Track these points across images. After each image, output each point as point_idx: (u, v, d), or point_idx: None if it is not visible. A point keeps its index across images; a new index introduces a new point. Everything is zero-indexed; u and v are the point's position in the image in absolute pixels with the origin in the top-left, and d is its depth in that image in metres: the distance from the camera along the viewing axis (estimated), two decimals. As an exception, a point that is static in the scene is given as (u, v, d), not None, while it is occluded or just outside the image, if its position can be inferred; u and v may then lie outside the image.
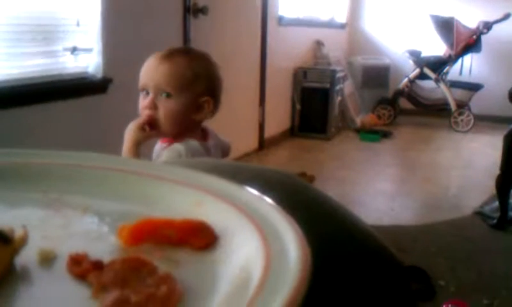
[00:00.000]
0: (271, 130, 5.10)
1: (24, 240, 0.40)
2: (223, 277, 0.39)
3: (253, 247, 0.40)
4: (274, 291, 0.33)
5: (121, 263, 0.39)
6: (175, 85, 1.39)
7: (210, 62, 1.48)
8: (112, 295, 0.35)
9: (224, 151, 1.54)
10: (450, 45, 6.11)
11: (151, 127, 1.39)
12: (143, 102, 1.42)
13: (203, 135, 1.47)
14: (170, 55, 1.42)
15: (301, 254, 0.37)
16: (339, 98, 5.72)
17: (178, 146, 1.38)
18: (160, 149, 1.44)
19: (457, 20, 6.06)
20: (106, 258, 0.39)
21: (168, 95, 1.39)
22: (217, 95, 1.46)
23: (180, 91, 1.39)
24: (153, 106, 1.39)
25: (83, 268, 0.38)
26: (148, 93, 1.41)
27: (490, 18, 5.97)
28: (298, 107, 5.60)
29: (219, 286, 0.38)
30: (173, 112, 1.39)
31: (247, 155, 4.65)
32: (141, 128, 1.38)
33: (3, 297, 0.35)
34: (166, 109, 1.39)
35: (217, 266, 0.40)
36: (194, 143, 1.40)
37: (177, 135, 1.42)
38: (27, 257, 0.39)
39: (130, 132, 1.38)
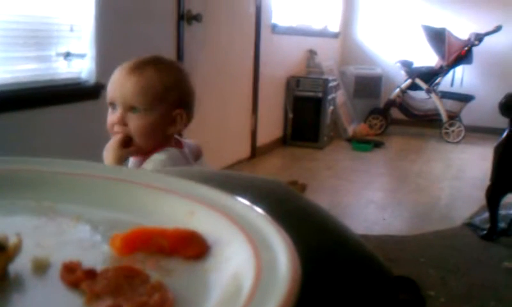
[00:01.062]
0: (263, 139, 5.10)
1: (18, 248, 0.40)
2: (215, 286, 0.39)
3: (244, 257, 0.40)
4: (265, 300, 0.34)
5: (114, 272, 0.39)
6: (144, 100, 1.32)
7: (181, 73, 1.41)
8: (105, 304, 0.36)
9: (197, 154, 1.48)
10: (442, 56, 6.15)
11: (126, 144, 1.33)
12: (111, 117, 1.36)
13: (177, 143, 1.42)
14: (138, 67, 1.34)
15: (291, 264, 0.38)
16: (331, 107, 5.75)
17: (160, 156, 1.33)
18: (134, 164, 1.38)
19: (449, 32, 6.11)
20: (99, 267, 0.40)
21: (137, 111, 1.32)
22: (190, 106, 1.40)
23: (150, 106, 1.33)
24: (123, 122, 1.33)
25: (76, 276, 0.38)
26: (116, 108, 1.35)
27: (482, 30, 6.02)
28: (290, 115, 5.61)
29: (211, 295, 0.38)
30: (144, 128, 1.33)
31: (239, 163, 4.65)
32: (122, 145, 1.32)
33: (-3, 304, 0.36)
34: (135, 125, 1.33)
35: (208, 275, 0.41)
36: (174, 151, 1.35)
37: (153, 149, 1.36)
38: (20, 265, 0.40)
39: (111, 150, 1.32)
